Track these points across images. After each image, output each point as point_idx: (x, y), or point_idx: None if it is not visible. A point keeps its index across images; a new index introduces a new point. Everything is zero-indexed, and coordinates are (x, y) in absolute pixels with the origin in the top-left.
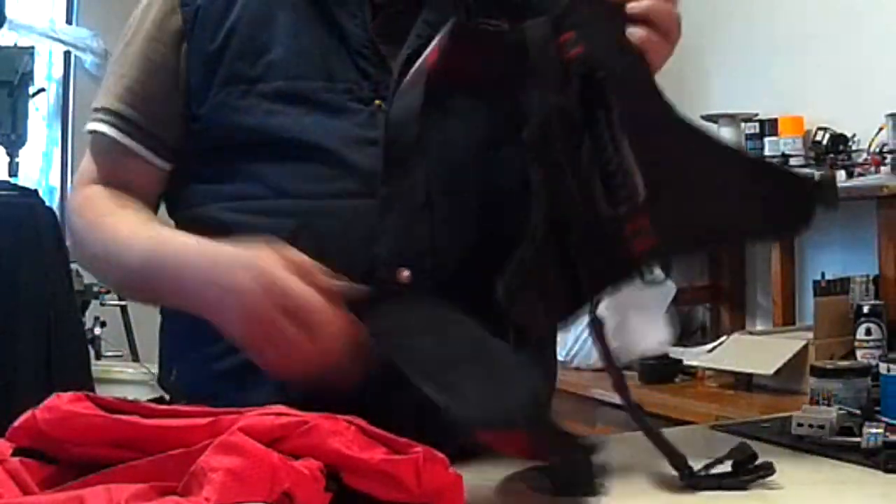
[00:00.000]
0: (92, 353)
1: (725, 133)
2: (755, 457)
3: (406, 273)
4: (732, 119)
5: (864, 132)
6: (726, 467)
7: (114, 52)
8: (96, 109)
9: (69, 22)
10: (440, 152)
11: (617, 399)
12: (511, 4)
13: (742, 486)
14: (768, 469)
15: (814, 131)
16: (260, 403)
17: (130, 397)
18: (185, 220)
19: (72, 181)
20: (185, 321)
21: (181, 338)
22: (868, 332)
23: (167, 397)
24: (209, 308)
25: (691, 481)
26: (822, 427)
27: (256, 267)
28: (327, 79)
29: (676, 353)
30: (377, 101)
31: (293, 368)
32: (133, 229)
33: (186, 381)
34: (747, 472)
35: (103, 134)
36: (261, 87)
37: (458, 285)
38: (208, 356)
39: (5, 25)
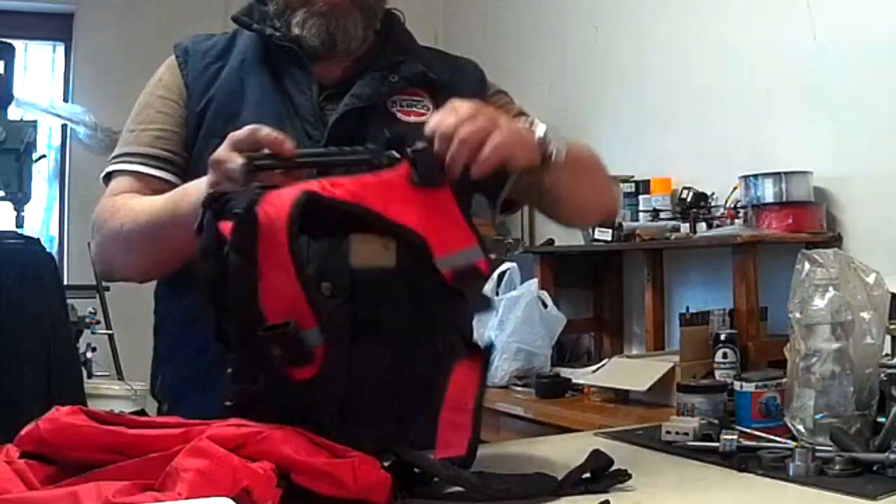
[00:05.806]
0: (84, 373)
1: None
2: (611, 462)
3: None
4: (613, 180)
5: (721, 191)
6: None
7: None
8: (124, 154)
9: (65, 100)
10: None
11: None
12: (428, 81)
13: (604, 490)
14: (624, 475)
15: (680, 190)
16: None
17: (116, 410)
18: None
19: (68, 232)
20: (170, 329)
21: (166, 346)
22: (724, 355)
23: (147, 410)
24: None
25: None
26: (686, 434)
27: None
28: None
29: (566, 373)
30: None
31: None
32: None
33: (167, 385)
34: (606, 478)
35: (138, 173)
36: None
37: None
38: (181, 361)
39: (13, 103)
